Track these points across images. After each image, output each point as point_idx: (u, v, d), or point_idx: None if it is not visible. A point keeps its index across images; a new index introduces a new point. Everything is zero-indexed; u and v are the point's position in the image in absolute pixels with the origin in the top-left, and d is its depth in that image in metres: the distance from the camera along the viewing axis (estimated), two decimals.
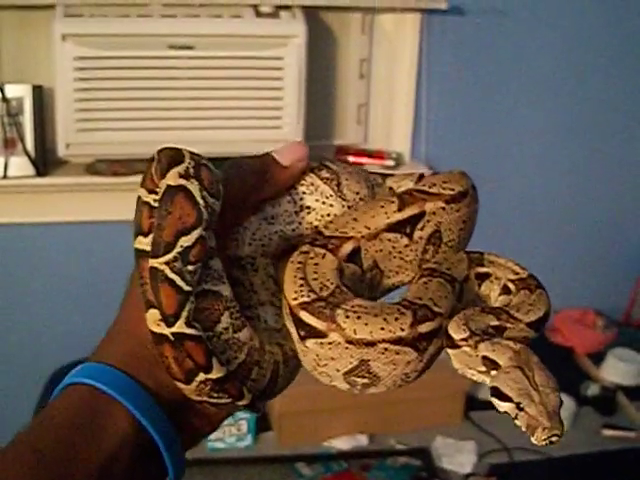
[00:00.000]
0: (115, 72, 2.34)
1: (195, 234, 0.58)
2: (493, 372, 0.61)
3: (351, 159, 2.56)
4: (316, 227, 0.67)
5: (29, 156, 2.38)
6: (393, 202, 0.66)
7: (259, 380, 0.62)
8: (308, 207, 0.67)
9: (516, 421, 0.60)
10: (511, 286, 0.67)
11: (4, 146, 2.37)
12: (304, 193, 0.68)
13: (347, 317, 0.59)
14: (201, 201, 0.59)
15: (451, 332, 0.63)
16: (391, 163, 2.61)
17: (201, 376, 0.59)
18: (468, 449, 2.34)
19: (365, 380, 0.61)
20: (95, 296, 2.61)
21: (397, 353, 0.60)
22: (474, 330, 0.62)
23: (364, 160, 2.57)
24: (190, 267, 0.58)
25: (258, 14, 2.43)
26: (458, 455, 2.32)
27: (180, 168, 0.59)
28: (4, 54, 2.46)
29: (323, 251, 0.64)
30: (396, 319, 0.60)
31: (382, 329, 0.59)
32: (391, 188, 0.71)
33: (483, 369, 0.62)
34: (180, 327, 0.57)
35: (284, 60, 2.41)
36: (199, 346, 0.58)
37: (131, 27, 2.35)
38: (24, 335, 2.68)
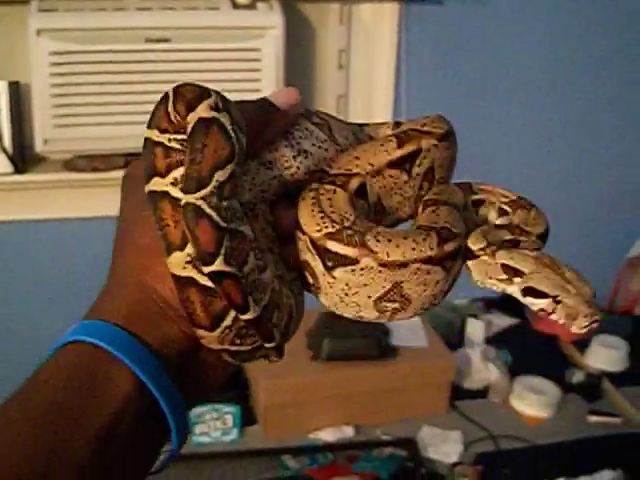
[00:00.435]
0: (92, 66, 2.32)
1: (229, 168, 0.56)
2: (516, 279, 0.65)
3: None
4: (312, 171, 0.67)
5: (7, 153, 2.36)
6: (391, 140, 0.68)
7: (279, 323, 0.61)
8: (305, 151, 0.67)
9: (553, 316, 0.64)
10: (506, 207, 0.71)
11: None
12: (300, 137, 0.67)
13: (378, 241, 0.61)
14: (233, 134, 0.57)
15: (469, 244, 0.66)
16: None
17: (228, 320, 0.57)
18: (454, 438, 2.34)
19: (396, 304, 0.62)
20: (75, 294, 2.59)
21: (428, 273, 0.62)
22: (491, 241, 0.66)
23: None
24: (225, 203, 0.56)
25: (235, 6, 2.42)
26: (444, 445, 2.32)
27: (210, 101, 0.57)
28: None
29: (333, 187, 0.65)
30: (424, 239, 0.62)
31: (413, 249, 0.61)
32: (370, 136, 0.73)
33: (504, 277, 0.66)
34: (219, 265, 0.55)
35: (262, 52, 2.40)
36: (237, 285, 0.55)
37: (107, 21, 2.33)
38: (2, 334, 2.65)
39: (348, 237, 0.61)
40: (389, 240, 0.61)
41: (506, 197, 0.71)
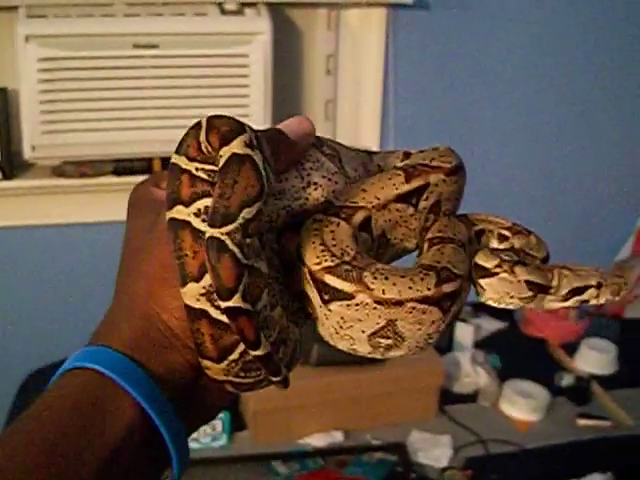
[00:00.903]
0: (80, 73, 2.32)
1: (256, 207, 0.56)
2: (540, 295, 0.67)
3: None
4: (322, 202, 0.66)
5: None
6: (399, 175, 0.68)
7: (284, 357, 0.61)
8: (315, 183, 0.66)
9: (596, 299, 0.68)
10: (505, 233, 0.71)
11: None
12: (311, 169, 0.66)
13: (375, 278, 0.61)
14: (264, 173, 0.57)
15: (481, 262, 0.67)
16: None
17: (236, 354, 0.57)
18: (444, 443, 2.34)
19: (389, 341, 0.62)
20: (63, 299, 2.60)
21: (423, 312, 0.61)
22: (504, 258, 0.67)
23: None
24: (248, 240, 0.55)
25: (222, 12, 2.42)
26: (434, 449, 2.32)
27: (245, 137, 0.57)
28: None
29: (337, 220, 0.65)
30: (422, 279, 0.61)
31: (410, 288, 0.61)
32: (379, 165, 0.73)
33: (529, 294, 0.67)
34: (237, 301, 0.55)
35: (250, 57, 2.40)
36: (251, 322, 0.55)
37: (95, 27, 2.34)
38: None
39: (346, 272, 0.61)
40: (386, 278, 0.61)
41: (502, 224, 0.72)
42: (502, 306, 0.67)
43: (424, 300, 0.61)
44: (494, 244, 0.72)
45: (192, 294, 0.57)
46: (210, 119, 0.59)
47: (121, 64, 2.34)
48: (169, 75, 2.38)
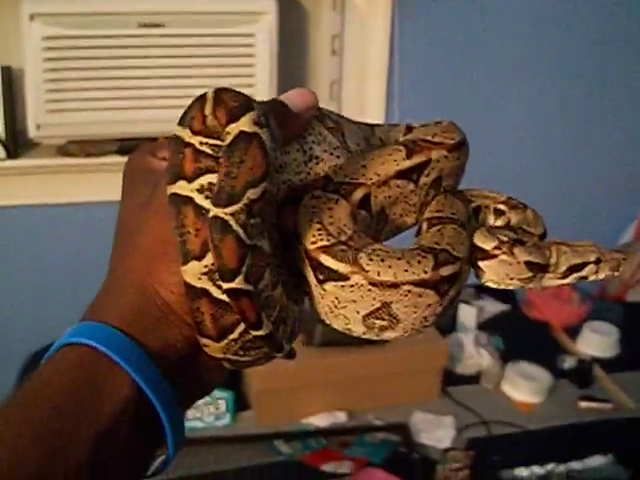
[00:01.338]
0: (85, 51, 2.32)
1: (261, 187, 0.55)
2: (540, 274, 0.66)
3: None
4: (323, 176, 0.66)
5: None
6: (400, 150, 0.67)
7: (284, 336, 0.61)
8: (317, 157, 0.65)
9: (595, 275, 0.68)
10: (502, 207, 0.71)
11: None
12: (313, 142, 0.65)
13: (370, 260, 0.60)
14: (271, 153, 0.55)
15: (480, 243, 0.66)
16: None
17: (235, 333, 0.57)
18: (446, 424, 2.35)
19: (384, 322, 0.61)
20: (68, 279, 2.60)
21: (419, 296, 0.60)
22: (502, 239, 0.66)
23: None
24: (252, 220, 0.54)
25: None
26: (436, 430, 2.32)
27: (254, 115, 0.55)
28: None
29: (335, 196, 0.64)
30: (419, 262, 0.60)
31: (405, 271, 0.60)
32: (381, 139, 0.71)
33: (529, 275, 0.66)
34: (239, 283, 0.54)
35: (255, 37, 2.40)
36: (253, 303, 0.55)
37: (100, 5, 2.33)
38: None
39: (342, 252, 0.60)
40: (382, 259, 0.60)
41: (497, 198, 0.71)
42: (502, 287, 0.67)
43: (420, 283, 0.60)
44: (491, 220, 0.71)
45: (193, 272, 0.56)
46: (217, 92, 0.58)
47: (126, 43, 2.34)
48: (174, 54, 2.38)
